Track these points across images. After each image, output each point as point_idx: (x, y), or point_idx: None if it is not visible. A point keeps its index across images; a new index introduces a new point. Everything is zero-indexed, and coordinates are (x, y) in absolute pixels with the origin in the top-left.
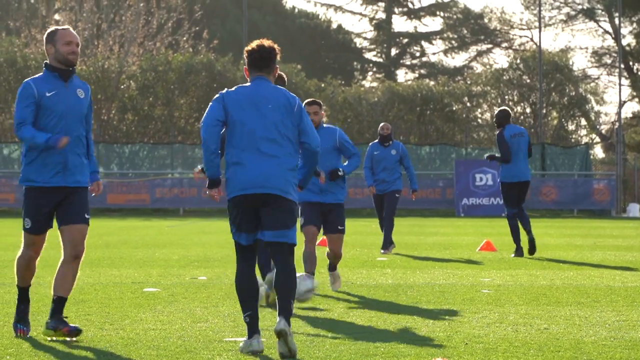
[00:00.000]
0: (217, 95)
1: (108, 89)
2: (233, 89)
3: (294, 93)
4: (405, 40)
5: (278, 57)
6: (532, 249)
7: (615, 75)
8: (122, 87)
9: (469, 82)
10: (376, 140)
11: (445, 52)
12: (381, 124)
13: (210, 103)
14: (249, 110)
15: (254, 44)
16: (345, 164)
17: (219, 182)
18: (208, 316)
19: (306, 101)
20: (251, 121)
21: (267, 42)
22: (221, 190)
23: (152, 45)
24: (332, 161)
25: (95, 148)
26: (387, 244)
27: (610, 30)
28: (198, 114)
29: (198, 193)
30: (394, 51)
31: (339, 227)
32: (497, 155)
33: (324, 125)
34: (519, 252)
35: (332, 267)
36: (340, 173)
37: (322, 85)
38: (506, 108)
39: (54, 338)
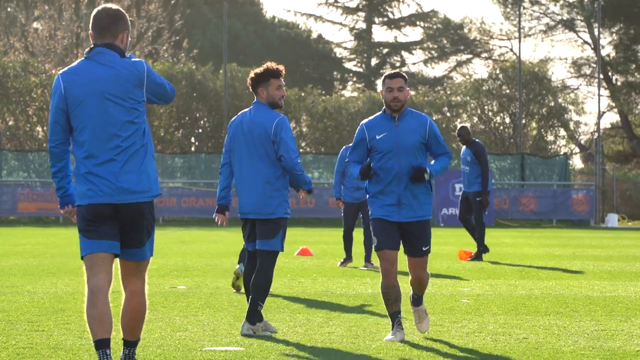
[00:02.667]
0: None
1: None
2: None
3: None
4: (386, 50)
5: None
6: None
7: (594, 86)
8: None
9: (448, 92)
10: (350, 144)
11: (425, 62)
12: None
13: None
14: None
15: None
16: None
17: None
18: (187, 325)
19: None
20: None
21: None
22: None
23: (131, 54)
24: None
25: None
26: (369, 257)
27: (590, 41)
28: (177, 123)
29: (177, 202)
30: (374, 61)
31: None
32: (483, 187)
33: None
34: (480, 256)
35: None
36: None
37: (303, 94)
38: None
39: None
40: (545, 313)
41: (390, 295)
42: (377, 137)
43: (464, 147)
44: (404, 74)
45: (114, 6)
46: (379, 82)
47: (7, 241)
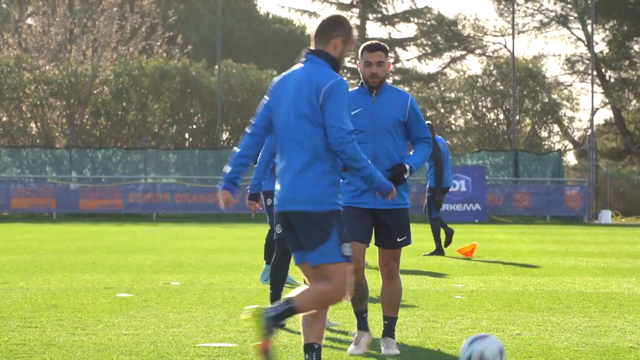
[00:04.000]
0: None
1: (81, 93)
2: None
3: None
4: None
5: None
6: (450, 241)
7: (587, 82)
8: (96, 92)
9: (442, 89)
10: None
11: (419, 58)
12: None
13: None
14: None
15: None
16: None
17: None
18: (181, 321)
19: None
20: None
21: None
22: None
23: (125, 50)
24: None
25: (68, 153)
26: None
27: (583, 38)
28: (171, 119)
29: (171, 198)
30: None
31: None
32: (437, 183)
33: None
34: (440, 251)
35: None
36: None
37: None
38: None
39: None
40: (539, 309)
41: (356, 293)
42: (351, 113)
43: None
44: (385, 46)
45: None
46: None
47: (1, 237)
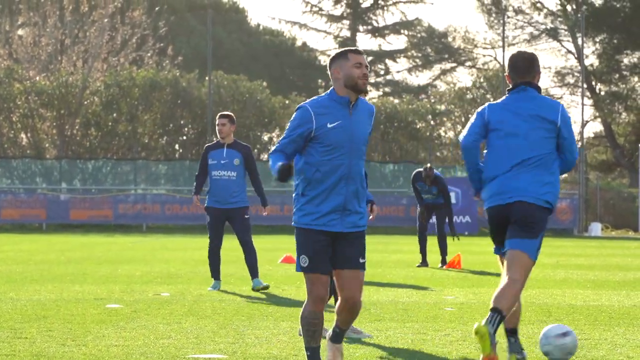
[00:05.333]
0: None
1: (71, 104)
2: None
3: (259, 110)
4: (370, 58)
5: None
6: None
7: (577, 95)
8: (86, 102)
9: (432, 101)
10: None
11: (410, 70)
12: None
13: None
14: None
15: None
16: None
17: None
18: (171, 332)
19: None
20: None
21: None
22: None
23: (116, 61)
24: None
25: (58, 164)
26: None
27: (574, 51)
28: (162, 130)
29: (161, 209)
30: None
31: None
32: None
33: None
34: (425, 263)
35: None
36: None
37: (287, 102)
38: None
39: None
40: (529, 322)
41: (318, 325)
42: (329, 126)
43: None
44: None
45: (528, 50)
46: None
47: None
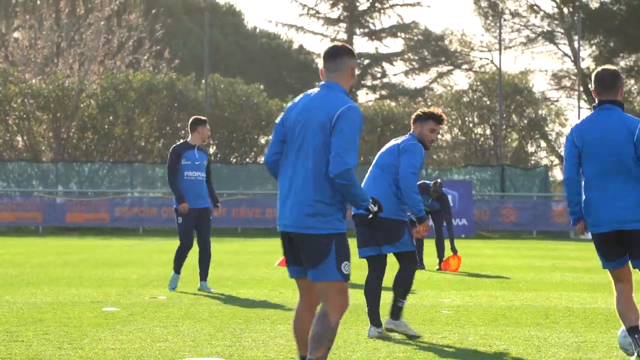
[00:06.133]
0: None
1: (68, 107)
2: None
3: (256, 113)
4: (367, 61)
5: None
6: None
7: (574, 98)
8: (82, 105)
9: (429, 104)
10: None
11: (406, 73)
12: None
13: None
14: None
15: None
16: None
17: None
18: (167, 336)
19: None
20: None
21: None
22: None
23: (112, 63)
24: None
25: (54, 166)
26: None
27: (570, 53)
28: (158, 133)
29: (157, 212)
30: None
31: None
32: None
33: None
34: (421, 265)
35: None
36: None
37: (284, 105)
38: None
39: None
40: (526, 324)
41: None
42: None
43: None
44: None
45: (612, 67)
46: (360, 93)
47: None
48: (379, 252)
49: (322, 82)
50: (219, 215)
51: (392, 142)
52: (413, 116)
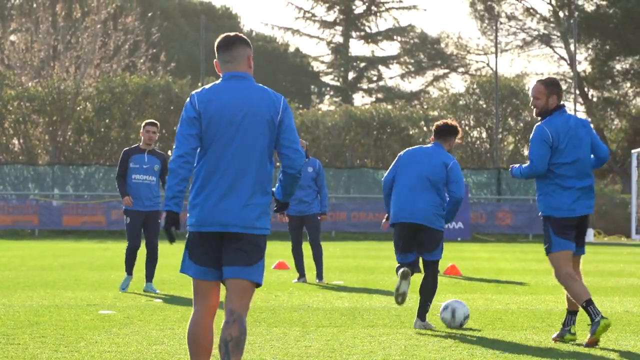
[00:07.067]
0: None
1: (64, 110)
2: None
3: None
4: (363, 64)
5: None
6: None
7: (570, 101)
8: (79, 108)
9: (425, 107)
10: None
11: (402, 76)
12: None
13: None
14: None
15: None
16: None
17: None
18: (164, 339)
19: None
20: None
21: None
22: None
23: (108, 66)
24: None
25: (50, 169)
26: (321, 274)
27: (566, 57)
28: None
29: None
30: (351, 75)
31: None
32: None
33: None
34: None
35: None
36: None
37: None
38: None
39: None
40: (522, 328)
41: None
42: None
43: None
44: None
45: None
46: (356, 96)
47: None
48: (416, 259)
49: (232, 73)
50: None
51: (424, 151)
52: (443, 129)
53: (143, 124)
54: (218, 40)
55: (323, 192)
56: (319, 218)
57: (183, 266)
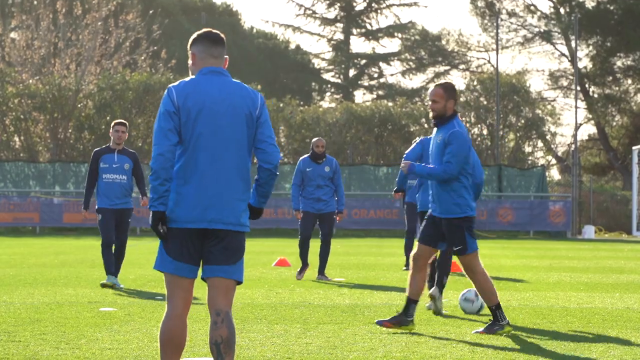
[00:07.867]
0: None
1: (65, 107)
2: None
3: None
4: (364, 61)
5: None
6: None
7: (571, 98)
8: (79, 106)
9: (426, 104)
10: (307, 155)
11: (403, 73)
12: (315, 139)
13: None
14: None
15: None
16: None
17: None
18: None
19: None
20: None
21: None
22: None
23: (109, 64)
24: None
25: (51, 167)
26: (324, 270)
27: (567, 53)
28: None
29: None
30: (352, 72)
31: None
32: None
33: None
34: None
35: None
36: None
37: (281, 105)
38: None
39: None
40: (523, 324)
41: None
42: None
43: None
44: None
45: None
46: (357, 94)
47: None
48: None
49: (211, 68)
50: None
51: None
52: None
53: (112, 123)
54: (203, 33)
55: (340, 191)
56: (335, 217)
57: (159, 263)
